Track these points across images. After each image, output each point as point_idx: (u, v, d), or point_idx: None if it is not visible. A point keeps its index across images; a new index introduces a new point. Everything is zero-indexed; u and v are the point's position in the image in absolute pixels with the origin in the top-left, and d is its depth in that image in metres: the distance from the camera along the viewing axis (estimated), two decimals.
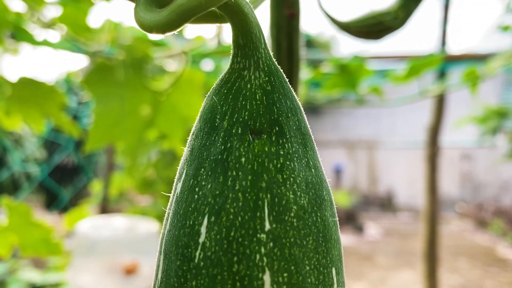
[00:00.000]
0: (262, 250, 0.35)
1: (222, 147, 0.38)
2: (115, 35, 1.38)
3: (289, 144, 0.39)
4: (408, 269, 6.87)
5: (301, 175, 0.39)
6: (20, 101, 1.46)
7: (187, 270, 0.36)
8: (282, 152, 0.39)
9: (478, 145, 12.79)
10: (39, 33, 1.57)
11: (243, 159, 0.38)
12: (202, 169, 0.38)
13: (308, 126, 0.43)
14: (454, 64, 2.16)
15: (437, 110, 3.00)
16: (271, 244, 0.36)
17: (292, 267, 0.36)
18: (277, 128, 0.39)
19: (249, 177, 0.37)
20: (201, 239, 0.36)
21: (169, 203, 0.41)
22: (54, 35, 1.65)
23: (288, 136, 0.39)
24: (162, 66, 1.61)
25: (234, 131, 0.39)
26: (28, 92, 1.47)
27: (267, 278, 0.35)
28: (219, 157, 0.38)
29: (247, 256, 0.35)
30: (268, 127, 0.39)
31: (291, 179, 0.38)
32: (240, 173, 0.37)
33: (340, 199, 12.27)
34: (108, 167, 2.36)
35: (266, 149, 0.38)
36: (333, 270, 0.39)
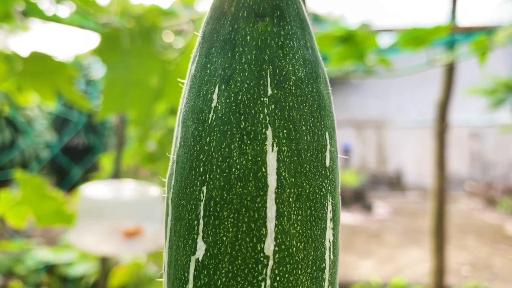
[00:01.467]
0: (265, 110, 0.41)
1: (230, 28, 0.43)
2: (124, 6, 1.38)
3: (289, 27, 0.44)
4: (416, 246, 6.90)
5: (299, 53, 0.44)
6: (31, 76, 1.47)
7: (202, 129, 0.42)
8: (282, 32, 0.43)
9: (487, 123, 12.69)
10: (49, 8, 1.58)
11: (248, 37, 0.43)
12: (213, 49, 0.44)
13: (306, 15, 0.47)
14: (464, 37, 2.14)
15: (446, 86, 2.98)
16: (273, 106, 0.41)
17: (291, 126, 0.41)
18: (278, 12, 0.44)
19: (254, 52, 0.42)
20: (213, 104, 0.42)
21: (183, 91, 0.47)
22: (64, 10, 1.65)
23: (288, 20, 0.44)
24: (170, 43, 1.61)
25: (240, 14, 0.43)
26: (39, 66, 1.48)
27: (269, 133, 0.41)
28: (228, 36, 0.43)
29: (252, 115, 0.41)
30: (271, 11, 0.43)
31: (291, 54, 0.43)
32: (246, 48, 0.43)
33: (348, 178, 12.27)
34: (119, 144, 2.38)
35: (269, 29, 0.43)
36: (327, 134, 0.44)
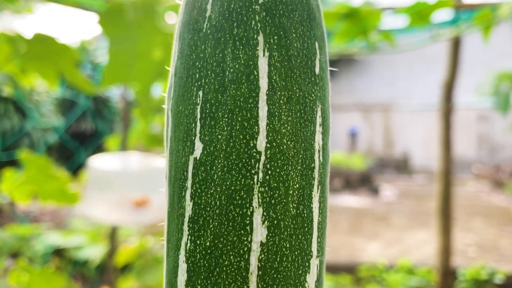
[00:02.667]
0: (257, 17, 0.43)
1: None
2: None
3: None
4: (423, 229, 6.90)
5: None
6: (34, 58, 1.47)
7: (197, 39, 0.44)
8: None
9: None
10: None
11: None
12: None
13: None
14: (469, 14, 2.12)
15: (452, 66, 2.96)
16: (264, 13, 0.43)
17: (281, 32, 0.43)
18: None
19: None
20: (208, 14, 0.44)
21: (180, 7, 0.48)
22: None
23: None
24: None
25: None
26: (43, 49, 1.48)
27: (260, 38, 0.42)
28: None
29: (244, 22, 0.42)
30: None
31: None
32: None
33: (355, 162, 12.26)
34: (124, 126, 2.39)
35: None
36: (316, 43, 0.45)
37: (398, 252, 5.44)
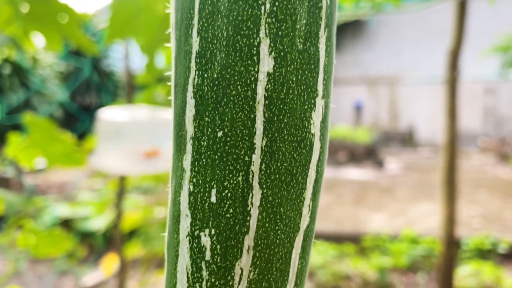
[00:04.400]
0: None
1: None
2: None
3: None
4: (428, 201, 6.93)
5: None
6: (37, 19, 1.46)
7: None
8: None
9: (502, 78, 12.47)
10: None
11: None
12: None
13: None
14: None
15: (457, 33, 2.91)
16: None
17: None
18: None
19: None
20: None
21: None
22: None
23: None
24: None
25: None
26: (45, 9, 1.47)
27: None
28: None
29: None
30: None
31: None
32: None
33: (360, 135, 12.24)
34: (128, 94, 2.38)
35: None
36: None
37: (403, 223, 5.47)
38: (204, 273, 0.39)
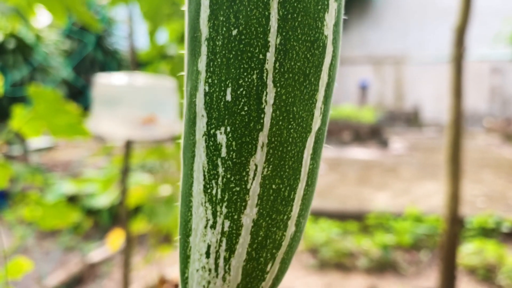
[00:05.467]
0: None
1: None
2: None
3: None
4: (432, 180, 6.93)
5: None
6: None
7: None
8: None
9: (509, 58, 12.35)
10: None
11: None
12: None
13: None
14: None
15: (464, 9, 2.87)
16: None
17: None
18: None
19: None
20: None
21: None
22: None
23: None
24: None
25: None
26: None
27: None
28: None
29: None
30: None
31: None
32: None
33: (365, 115, 12.20)
34: (133, 69, 2.37)
35: None
36: None
37: (407, 202, 5.48)
38: (220, 170, 0.40)
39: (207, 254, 0.41)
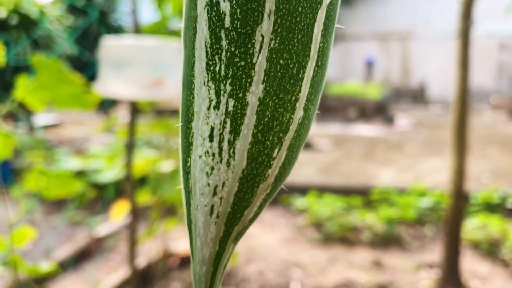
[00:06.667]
0: None
1: None
2: None
3: None
4: (437, 156, 6.91)
5: None
6: None
7: None
8: None
9: None
10: None
11: None
12: None
13: None
14: None
15: None
16: None
17: None
18: None
19: None
20: None
21: None
22: None
23: None
24: None
25: None
26: None
27: None
28: None
29: None
30: None
31: None
32: None
33: (371, 91, 12.13)
34: None
35: None
36: None
37: (411, 178, 5.48)
38: (224, 43, 0.37)
39: (211, 138, 0.39)
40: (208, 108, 0.39)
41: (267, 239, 3.93)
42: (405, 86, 16.51)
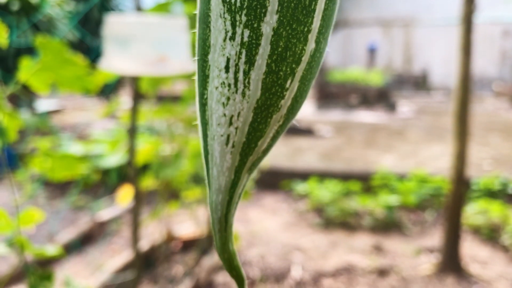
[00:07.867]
0: None
1: None
2: None
3: None
4: (439, 143, 6.92)
5: None
6: None
7: None
8: None
9: None
10: None
11: None
12: None
13: None
14: None
15: None
16: None
17: None
18: None
19: None
20: None
21: None
22: None
23: None
24: None
25: None
26: None
27: None
28: None
29: None
30: None
31: None
32: None
33: (373, 78, 12.08)
34: None
35: None
36: None
37: (413, 164, 5.49)
38: None
39: (226, 69, 0.40)
40: (224, 40, 0.40)
41: (268, 223, 3.96)
42: (407, 72, 16.44)
